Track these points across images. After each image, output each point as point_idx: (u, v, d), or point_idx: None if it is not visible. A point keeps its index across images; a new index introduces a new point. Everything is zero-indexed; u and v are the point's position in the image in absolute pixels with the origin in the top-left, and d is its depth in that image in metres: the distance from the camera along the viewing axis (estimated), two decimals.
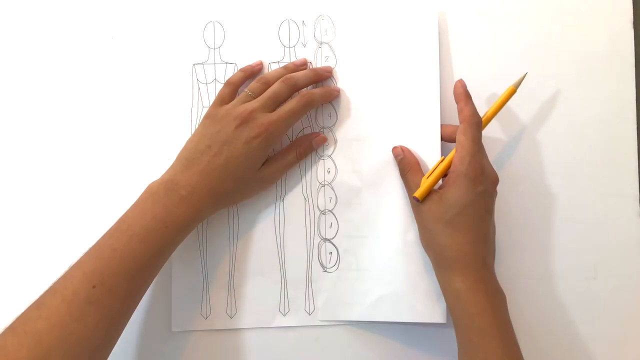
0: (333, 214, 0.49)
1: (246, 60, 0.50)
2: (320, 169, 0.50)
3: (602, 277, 0.49)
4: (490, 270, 0.43)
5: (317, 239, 0.49)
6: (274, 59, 0.50)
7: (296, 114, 0.46)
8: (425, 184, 0.44)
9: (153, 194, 0.42)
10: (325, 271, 0.49)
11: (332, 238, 0.49)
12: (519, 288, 0.48)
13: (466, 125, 0.43)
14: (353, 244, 0.49)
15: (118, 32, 0.51)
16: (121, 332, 0.40)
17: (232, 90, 0.47)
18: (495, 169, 0.44)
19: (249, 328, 0.48)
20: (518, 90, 0.46)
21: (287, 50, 0.50)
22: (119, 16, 0.51)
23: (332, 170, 0.49)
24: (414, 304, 0.47)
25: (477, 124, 0.43)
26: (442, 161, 0.45)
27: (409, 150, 0.48)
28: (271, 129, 0.44)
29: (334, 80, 0.50)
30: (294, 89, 0.47)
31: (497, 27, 0.51)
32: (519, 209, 0.49)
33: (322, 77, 0.49)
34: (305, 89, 0.48)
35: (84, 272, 0.38)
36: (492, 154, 0.49)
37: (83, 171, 0.50)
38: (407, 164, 0.47)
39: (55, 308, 0.36)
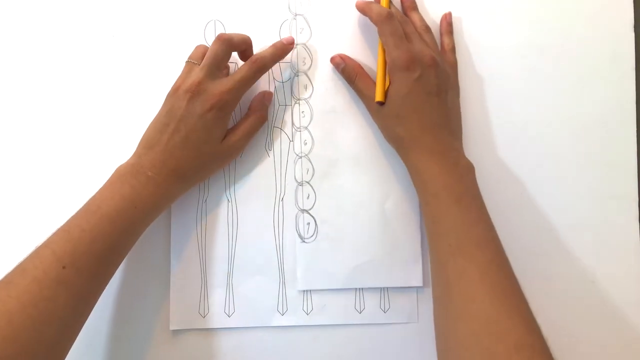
0: (310, 185, 0.49)
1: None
2: (297, 141, 0.50)
3: (601, 280, 0.49)
4: (445, 145, 0.44)
5: (295, 210, 0.49)
6: None
7: (249, 80, 0.45)
8: (379, 86, 0.45)
9: (121, 176, 0.42)
10: (304, 242, 0.49)
11: (310, 209, 0.49)
12: None
13: (379, 24, 0.45)
14: (330, 214, 0.49)
15: (119, 30, 0.51)
16: (90, 311, 0.40)
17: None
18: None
19: (246, 327, 0.48)
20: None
21: None
22: (120, 14, 0.51)
23: (309, 142, 0.50)
24: (391, 270, 0.48)
25: (387, 17, 0.44)
26: (382, 60, 0.46)
27: (348, 57, 0.49)
28: (224, 99, 0.44)
29: (308, 52, 0.50)
30: (230, 46, 0.45)
31: (497, 28, 0.51)
32: (518, 211, 0.49)
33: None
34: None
35: (53, 252, 0.38)
36: (491, 155, 0.49)
37: (81, 169, 0.50)
38: (351, 71, 0.48)
39: (25, 287, 0.36)
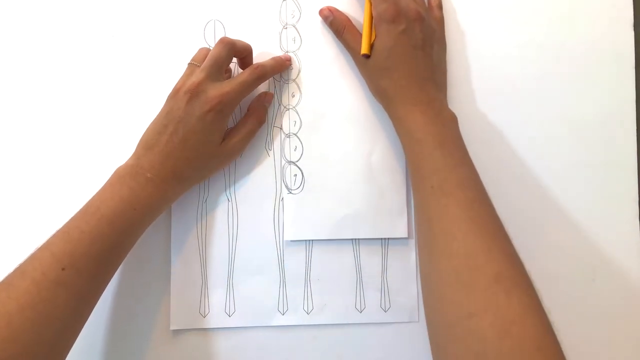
0: (297, 137, 0.49)
1: None
2: (285, 93, 0.50)
3: (601, 279, 0.49)
4: (430, 96, 0.44)
5: (282, 162, 0.49)
6: None
7: (249, 86, 0.46)
8: (365, 39, 0.45)
9: (120, 177, 0.42)
10: (290, 193, 0.49)
11: (297, 160, 0.49)
12: None
13: None
14: (317, 166, 0.49)
15: (119, 30, 0.51)
16: (90, 312, 0.40)
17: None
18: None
19: (247, 327, 0.48)
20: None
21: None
22: (120, 14, 0.51)
23: (297, 94, 0.50)
24: (376, 222, 0.48)
25: None
26: (368, 14, 0.46)
27: (337, 10, 0.49)
28: (224, 101, 0.44)
29: (297, 5, 0.50)
30: (232, 50, 0.46)
31: (496, 26, 0.51)
32: (518, 210, 0.49)
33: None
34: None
35: (52, 253, 0.38)
36: (491, 154, 0.49)
37: (80, 170, 0.50)
38: (340, 23, 0.48)
39: (25, 289, 0.36)
